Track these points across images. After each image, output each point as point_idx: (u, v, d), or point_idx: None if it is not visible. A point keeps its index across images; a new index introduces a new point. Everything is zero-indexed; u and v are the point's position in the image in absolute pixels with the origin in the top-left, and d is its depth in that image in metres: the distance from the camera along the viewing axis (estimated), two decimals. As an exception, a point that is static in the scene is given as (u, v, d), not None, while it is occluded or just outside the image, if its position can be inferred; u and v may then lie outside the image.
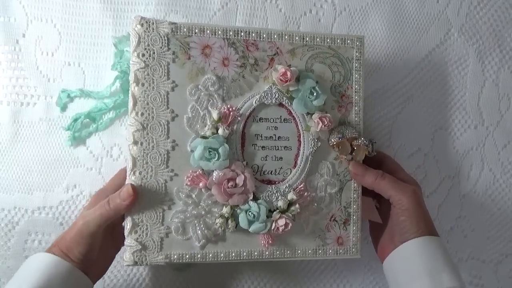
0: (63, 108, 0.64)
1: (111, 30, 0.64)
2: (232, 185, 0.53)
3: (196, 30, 0.53)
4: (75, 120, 0.63)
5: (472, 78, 0.74)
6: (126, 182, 0.52)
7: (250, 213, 0.53)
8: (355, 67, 0.58)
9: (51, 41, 0.64)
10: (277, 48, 0.55)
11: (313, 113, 0.56)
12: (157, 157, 0.52)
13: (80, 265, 0.51)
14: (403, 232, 0.55)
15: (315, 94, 0.55)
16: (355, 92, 0.58)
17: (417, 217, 0.55)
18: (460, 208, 0.75)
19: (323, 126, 0.55)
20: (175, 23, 0.52)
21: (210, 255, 0.54)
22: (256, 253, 0.55)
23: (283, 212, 0.55)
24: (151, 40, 0.52)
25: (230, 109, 0.53)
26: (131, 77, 0.52)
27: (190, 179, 0.53)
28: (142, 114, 0.52)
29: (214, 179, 0.52)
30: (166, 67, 0.52)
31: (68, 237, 0.51)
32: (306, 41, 0.56)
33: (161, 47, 0.52)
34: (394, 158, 0.71)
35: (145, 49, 0.52)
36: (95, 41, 0.64)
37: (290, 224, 0.54)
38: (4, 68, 0.64)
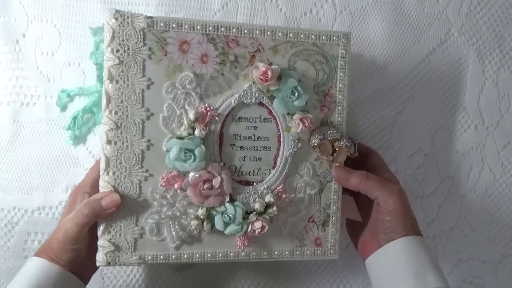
0: (63, 108, 0.65)
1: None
2: (208, 187, 0.53)
3: (174, 25, 0.52)
4: (75, 118, 0.63)
5: (472, 78, 0.74)
6: (100, 183, 0.52)
7: (226, 215, 0.54)
8: (340, 65, 0.57)
9: (51, 41, 0.65)
10: (259, 44, 0.54)
11: (294, 114, 0.55)
12: (131, 157, 0.52)
13: (70, 267, 0.52)
14: (388, 231, 0.55)
15: (296, 94, 0.54)
16: (339, 91, 0.57)
17: (403, 216, 0.55)
18: (460, 208, 0.75)
19: (303, 127, 0.54)
20: (151, 17, 0.51)
21: (185, 256, 0.54)
22: (232, 254, 0.56)
23: (260, 214, 0.55)
24: (126, 35, 0.51)
25: (208, 109, 0.53)
26: (105, 74, 0.51)
27: (165, 180, 0.53)
28: (116, 112, 0.51)
29: (189, 180, 0.52)
30: (141, 64, 0.51)
31: (55, 246, 0.52)
32: (290, 38, 0.55)
33: (136, 43, 0.51)
34: (394, 158, 0.72)
35: (120, 44, 0.51)
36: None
37: (267, 227, 0.55)
38: (4, 68, 0.65)
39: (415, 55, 0.72)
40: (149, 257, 0.53)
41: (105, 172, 0.52)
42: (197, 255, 0.55)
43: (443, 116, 0.74)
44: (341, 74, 0.57)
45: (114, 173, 0.52)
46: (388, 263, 0.55)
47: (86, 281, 0.56)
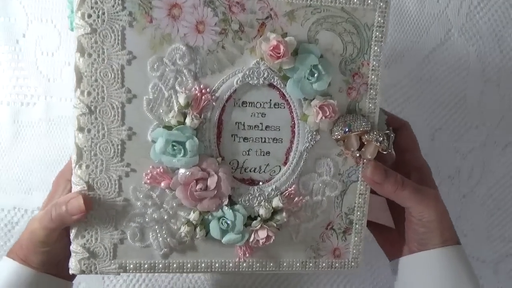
0: None
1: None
2: (201, 188, 0.43)
3: (162, -17, 0.41)
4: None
5: (472, 78, 0.74)
6: (72, 178, 0.44)
7: (223, 221, 0.44)
8: (376, 37, 0.45)
9: (51, 41, 0.65)
10: (271, 9, 0.43)
11: (313, 99, 0.45)
12: (108, 147, 0.43)
13: (45, 269, 0.47)
14: (423, 242, 0.50)
15: (316, 74, 0.43)
16: (372, 70, 0.46)
17: (440, 228, 0.50)
18: (460, 208, 0.76)
19: (323, 117, 0.44)
20: (132, -28, 0.41)
21: (174, 265, 0.46)
22: (231, 265, 0.47)
23: (265, 221, 0.46)
24: (100, -5, 0.40)
25: (203, 91, 0.43)
26: (75, 45, 0.41)
27: (149, 176, 0.43)
28: (89, 93, 0.42)
29: (179, 179, 0.43)
30: (120, 33, 0.41)
31: (25, 246, 0.46)
32: (311, 0, 0.43)
33: (113, 6, 0.41)
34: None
35: (92, 8, 0.40)
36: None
37: (273, 237, 0.45)
38: (4, 68, 0.65)
39: (415, 55, 0.72)
40: (131, 266, 0.45)
41: (77, 165, 0.43)
42: (189, 265, 0.46)
43: (443, 116, 0.74)
44: (376, 48, 0.46)
45: (88, 167, 0.43)
46: (423, 270, 0.51)
47: (72, 278, 0.50)
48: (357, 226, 0.49)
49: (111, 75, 0.42)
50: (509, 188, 0.78)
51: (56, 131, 0.66)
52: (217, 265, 0.47)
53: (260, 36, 0.43)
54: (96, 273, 0.45)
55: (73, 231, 0.44)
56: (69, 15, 0.46)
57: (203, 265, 0.47)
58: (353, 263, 0.50)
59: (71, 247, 0.44)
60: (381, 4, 0.45)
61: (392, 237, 0.55)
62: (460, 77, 0.73)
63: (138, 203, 0.44)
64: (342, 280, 0.72)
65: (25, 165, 0.66)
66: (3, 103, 0.65)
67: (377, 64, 0.46)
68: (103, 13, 0.41)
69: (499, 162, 0.77)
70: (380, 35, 0.45)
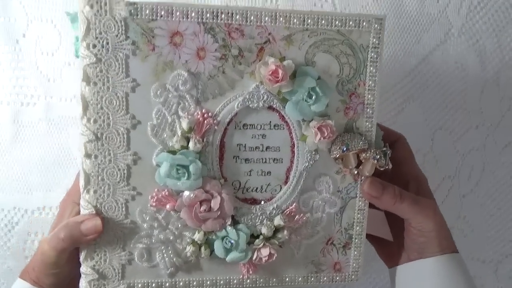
0: None
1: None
2: (205, 209, 0.45)
3: (163, 12, 0.42)
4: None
5: (472, 78, 0.74)
6: (81, 202, 0.45)
7: (227, 240, 0.46)
8: (371, 58, 0.47)
9: (51, 41, 0.64)
10: (269, 34, 0.45)
11: (311, 120, 0.46)
12: (115, 172, 0.45)
13: None
14: (421, 251, 0.52)
15: (314, 96, 0.45)
16: (369, 90, 0.48)
17: (439, 237, 0.51)
18: (460, 208, 0.76)
19: (322, 138, 0.45)
20: (134, 3, 0.42)
21: (181, 284, 0.48)
22: (235, 281, 0.49)
23: (267, 239, 0.47)
24: (103, 26, 0.42)
25: (205, 115, 0.44)
26: (81, 75, 0.43)
27: (155, 199, 0.45)
28: (95, 121, 0.43)
29: (183, 201, 0.45)
30: (124, 61, 0.43)
31: (36, 268, 0.47)
32: (308, 25, 0.45)
33: (117, 36, 0.42)
34: None
35: (96, 38, 0.42)
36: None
37: (276, 255, 0.47)
38: (4, 68, 0.64)
39: (415, 55, 0.71)
40: (139, 286, 0.47)
41: (85, 190, 0.45)
42: (195, 283, 0.48)
43: (443, 116, 0.74)
44: (372, 69, 0.47)
45: (95, 192, 0.45)
46: (421, 278, 0.52)
47: None
48: (356, 240, 0.51)
49: (116, 102, 0.43)
50: (509, 188, 0.78)
51: (56, 131, 0.65)
52: (222, 282, 0.48)
53: (259, 60, 0.45)
54: (106, 293, 0.47)
55: (82, 253, 0.46)
56: (75, 43, 0.48)
57: (208, 282, 0.48)
58: (353, 276, 0.52)
59: (81, 269, 0.46)
60: (376, 26, 0.46)
61: (390, 246, 0.55)
62: (460, 77, 0.73)
63: (145, 225, 0.46)
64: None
65: (25, 165, 0.66)
66: (3, 103, 0.65)
67: (373, 84, 0.48)
68: (107, 43, 0.42)
69: (499, 162, 0.77)
70: (375, 56, 0.47)
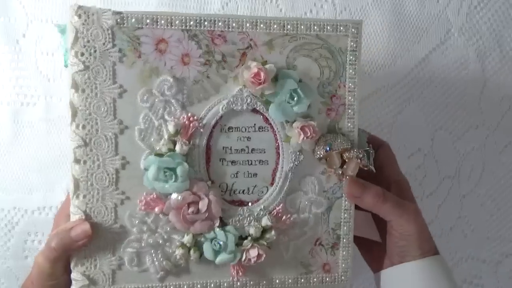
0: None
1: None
2: (193, 211, 0.46)
3: (148, 21, 0.44)
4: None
5: (472, 78, 0.75)
6: (71, 208, 0.46)
7: (216, 242, 0.47)
8: (350, 61, 0.49)
9: (51, 41, 0.65)
10: (251, 39, 0.47)
11: (294, 121, 0.48)
12: (104, 177, 0.46)
13: None
14: (403, 254, 0.52)
15: (296, 98, 0.47)
16: (349, 91, 0.49)
17: (419, 239, 0.52)
18: (460, 208, 0.77)
19: (305, 137, 0.47)
20: (120, 13, 0.44)
21: (171, 288, 0.48)
22: (225, 285, 0.49)
23: (256, 240, 0.48)
24: (91, 35, 0.44)
25: (191, 119, 0.46)
26: (69, 82, 0.44)
27: (144, 203, 0.46)
28: (83, 126, 0.45)
29: (171, 203, 0.46)
30: (111, 68, 0.44)
31: (35, 281, 0.48)
32: (288, 30, 0.47)
33: (104, 44, 0.44)
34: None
35: (84, 46, 0.44)
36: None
37: (264, 255, 0.48)
38: (4, 68, 0.65)
39: (415, 55, 0.72)
40: (130, 291, 0.47)
41: (75, 196, 0.45)
42: (185, 287, 0.48)
43: (443, 116, 0.74)
44: (351, 71, 0.49)
45: (84, 197, 0.46)
46: (403, 282, 0.53)
47: None
48: (344, 240, 0.52)
49: (104, 108, 0.45)
50: (509, 188, 0.78)
51: (56, 131, 0.66)
52: (212, 285, 0.49)
53: (242, 65, 0.47)
54: (97, 299, 0.47)
55: (73, 259, 0.46)
56: (64, 53, 0.49)
57: (198, 286, 0.49)
58: (343, 277, 0.52)
59: (71, 275, 0.46)
60: (353, 30, 0.49)
61: (375, 251, 0.56)
62: (460, 77, 0.74)
63: (134, 229, 0.47)
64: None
65: (25, 165, 0.66)
66: (3, 103, 0.65)
67: (353, 86, 0.49)
68: (95, 51, 0.44)
69: (499, 162, 0.77)
70: (353, 59, 0.49)
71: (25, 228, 0.67)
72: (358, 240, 0.57)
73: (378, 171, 0.55)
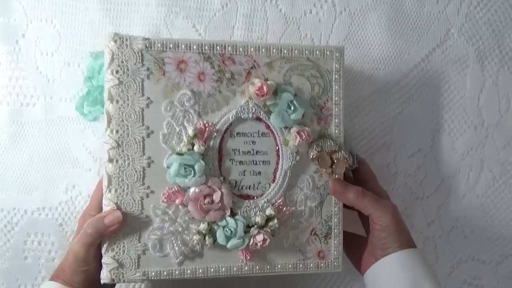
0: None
1: (111, 30, 0.61)
2: (208, 202, 0.55)
3: (171, 45, 0.55)
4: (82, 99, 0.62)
5: (472, 78, 0.76)
6: (103, 201, 0.54)
7: (227, 229, 0.56)
8: (335, 79, 0.60)
9: (51, 41, 0.66)
10: (254, 61, 0.57)
11: (291, 127, 0.58)
12: (133, 174, 0.55)
13: (85, 287, 0.54)
14: (384, 247, 0.58)
15: (292, 107, 0.57)
16: (335, 104, 0.60)
17: (397, 231, 0.58)
18: (460, 208, 0.77)
19: (301, 140, 0.57)
20: (148, 39, 0.54)
21: (188, 272, 0.56)
22: (235, 269, 0.57)
23: (261, 227, 0.57)
24: (125, 56, 0.54)
25: (206, 125, 0.55)
26: (106, 94, 0.54)
27: (166, 196, 0.55)
28: (117, 131, 0.54)
29: (190, 195, 0.55)
30: (140, 84, 0.54)
31: (66, 269, 0.54)
32: (284, 54, 0.58)
33: (135, 64, 0.54)
34: (394, 158, 0.74)
35: (119, 65, 0.54)
36: (95, 41, 0.67)
37: (269, 240, 0.56)
38: (4, 68, 0.66)
39: (415, 55, 0.74)
40: (153, 273, 0.55)
41: (108, 190, 0.54)
42: (200, 270, 0.56)
43: (443, 116, 0.75)
44: (336, 87, 0.60)
45: (116, 191, 0.54)
46: (386, 276, 0.58)
47: None
48: (335, 230, 0.61)
49: (134, 116, 0.54)
50: (509, 188, 0.78)
51: (56, 131, 0.67)
52: (223, 269, 0.57)
53: (248, 81, 0.57)
54: (124, 281, 0.54)
55: (105, 245, 0.54)
56: (89, 77, 0.59)
57: (212, 270, 0.57)
58: (335, 263, 0.60)
59: (102, 260, 0.54)
60: (337, 54, 0.60)
61: (361, 251, 0.62)
62: (460, 77, 0.75)
63: (157, 219, 0.55)
64: (342, 280, 0.74)
65: (25, 165, 0.67)
66: (3, 103, 0.66)
67: (338, 99, 0.60)
68: (128, 69, 0.54)
69: (498, 162, 0.77)
70: (338, 77, 0.60)
71: (24, 229, 0.67)
72: (345, 243, 0.62)
73: (362, 184, 0.61)
